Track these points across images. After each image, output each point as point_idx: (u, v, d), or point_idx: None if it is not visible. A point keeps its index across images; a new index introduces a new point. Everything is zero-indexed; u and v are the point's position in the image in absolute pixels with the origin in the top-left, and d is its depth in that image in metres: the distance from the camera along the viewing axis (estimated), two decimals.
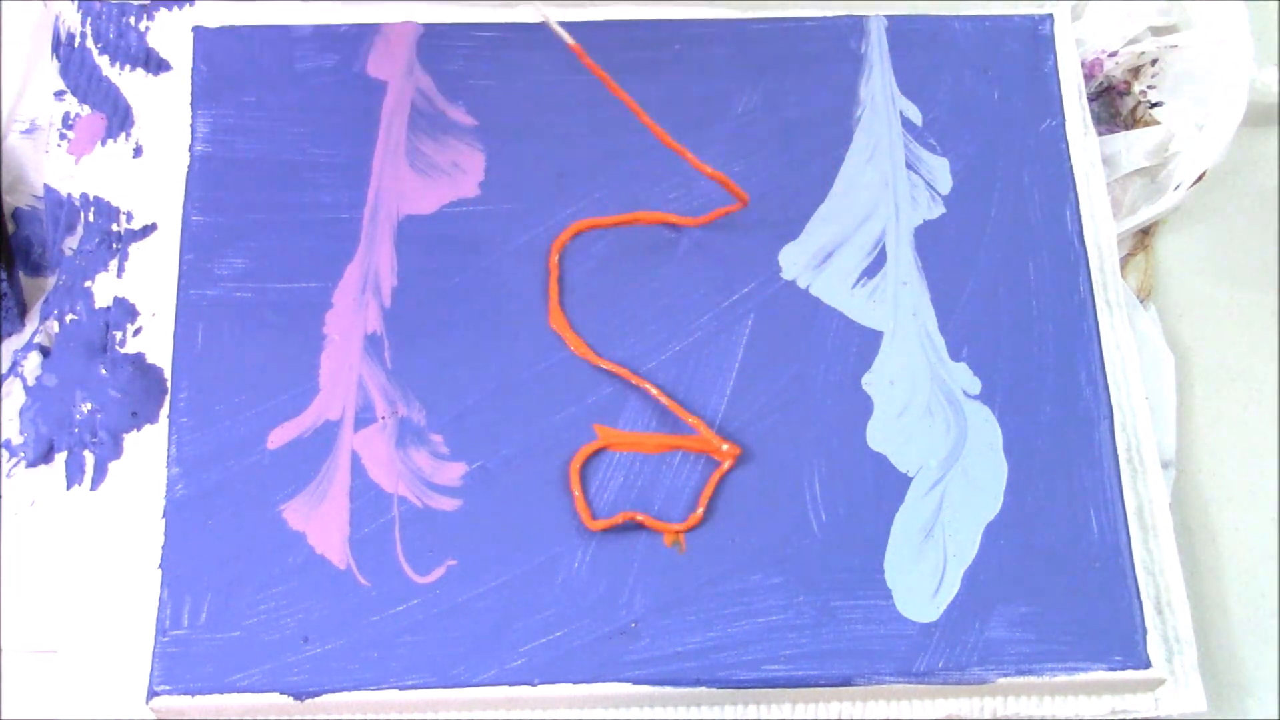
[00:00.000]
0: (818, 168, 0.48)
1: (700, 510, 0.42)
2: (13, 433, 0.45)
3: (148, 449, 0.44)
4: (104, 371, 0.45)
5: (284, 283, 0.45)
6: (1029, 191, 0.48)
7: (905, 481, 0.43)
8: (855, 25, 0.50)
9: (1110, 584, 0.42)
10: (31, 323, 0.47)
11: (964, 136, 0.48)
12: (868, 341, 0.45)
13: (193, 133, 0.48)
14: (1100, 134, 0.50)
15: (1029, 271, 0.46)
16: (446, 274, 0.46)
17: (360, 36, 0.49)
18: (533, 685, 0.40)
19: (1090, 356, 0.45)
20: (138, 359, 0.46)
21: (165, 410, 0.44)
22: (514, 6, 0.50)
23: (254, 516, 0.42)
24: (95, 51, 0.50)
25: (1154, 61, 0.51)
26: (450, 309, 0.45)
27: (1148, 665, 0.41)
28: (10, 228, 0.48)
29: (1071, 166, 0.48)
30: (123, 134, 0.49)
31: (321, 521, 0.42)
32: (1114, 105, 0.52)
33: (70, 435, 0.45)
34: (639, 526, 0.42)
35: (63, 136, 0.49)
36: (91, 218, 0.48)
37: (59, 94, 0.50)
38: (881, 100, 0.49)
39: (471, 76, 0.49)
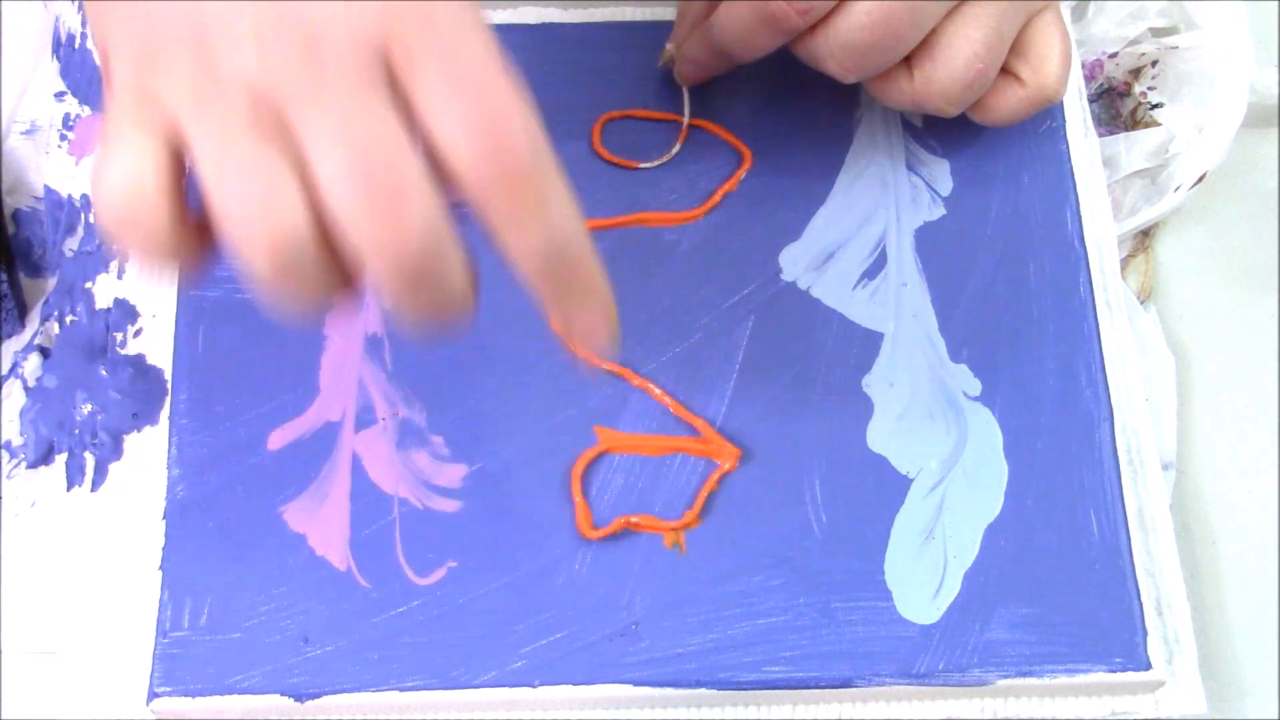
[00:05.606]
0: (818, 169, 0.48)
1: (696, 509, 0.42)
2: (13, 434, 0.45)
3: (148, 450, 0.44)
4: (104, 373, 0.45)
5: None
6: (1029, 193, 0.48)
7: (905, 483, 0.43)
8: None
9: (1110, 585, 0.42)
10: (31, 324, 0.47)
11: (964, 138, 0.48)
12: (868, 343, 0.45)
13: None
14: (1100, 135, 0.50)
15: (1029, 273, 0.46)
16: None
17: None
18: (533, 687, 0.40)
19: (1091, 358, 0.45)
20: (138, 360, 0.45)
21: (166, 412, 0.44)
22: (516, 7, 0.50)
23: (254, 518, 0.42)
24: (95, 52, 0.50)
25: (1154, 63, 0.51)
26: None
27: (1148, 667, 0.41)
28: (10, 229, 0.48)
29: (1072, 168, 0.48)
30: None
31: (322, 523, 0.42)
32: (1114, 106, 0.52)
33: (70, 437, 0.45)
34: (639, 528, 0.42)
35: (63, 138, 0.49)
36: (92, 219, 0.48)
37: (59, 95, 0.50)
38: None
39: None
